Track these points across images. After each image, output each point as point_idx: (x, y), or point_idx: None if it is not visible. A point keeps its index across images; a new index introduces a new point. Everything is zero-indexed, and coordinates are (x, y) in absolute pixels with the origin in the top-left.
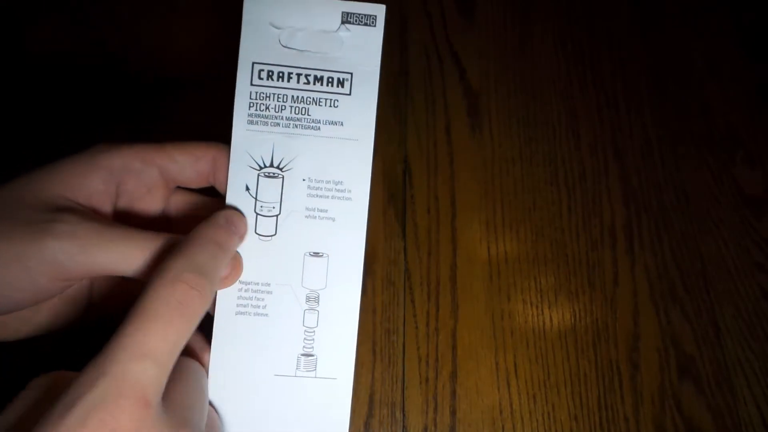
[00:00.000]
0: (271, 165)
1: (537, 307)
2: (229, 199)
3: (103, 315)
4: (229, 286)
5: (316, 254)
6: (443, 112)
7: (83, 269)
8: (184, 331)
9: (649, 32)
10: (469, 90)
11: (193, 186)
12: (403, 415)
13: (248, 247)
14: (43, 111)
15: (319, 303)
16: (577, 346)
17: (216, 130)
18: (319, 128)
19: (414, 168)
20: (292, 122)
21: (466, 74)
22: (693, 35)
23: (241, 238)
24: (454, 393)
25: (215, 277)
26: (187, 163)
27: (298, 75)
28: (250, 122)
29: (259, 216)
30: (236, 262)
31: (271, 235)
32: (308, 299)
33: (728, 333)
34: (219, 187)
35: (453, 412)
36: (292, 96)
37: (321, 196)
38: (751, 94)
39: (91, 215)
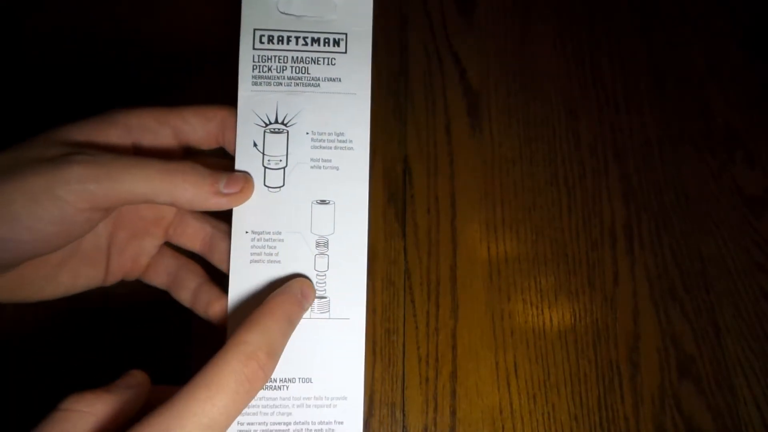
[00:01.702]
0: (276, 121)
1: (537, 307)
2: (239, 155)
3: (120, 282)
4: (238, 205)
5: (323, 202)
6: (443, 112)
7: (109, 194)
8: (242, 407)
9: (649, 32)
10: (469, 90)
11: (204, 147)
12: (403, 415)
13: (258, 199)
14: (44, 102)
15: (329, 248)
16: (577, 346)
17: (225, 99)
18: (318, 85)
19: (414, 168)
20: (293, 81)
21: (466, 74)
22: (693, 35)
23: (306, 310)
24: (454, 393)
25: (279, 356)
26: (198, 124)
27: (297, 38)
28: (255, 83)
29: (267, 169)
30: (247, 184)
31: (280, 187)
32: (318, 245)
33: (728, 333)
34: (228, 147)
35: (453, 412)
36: (292, 57)
37: (324, 148)
38: (751, 94)
39: (109, 151)
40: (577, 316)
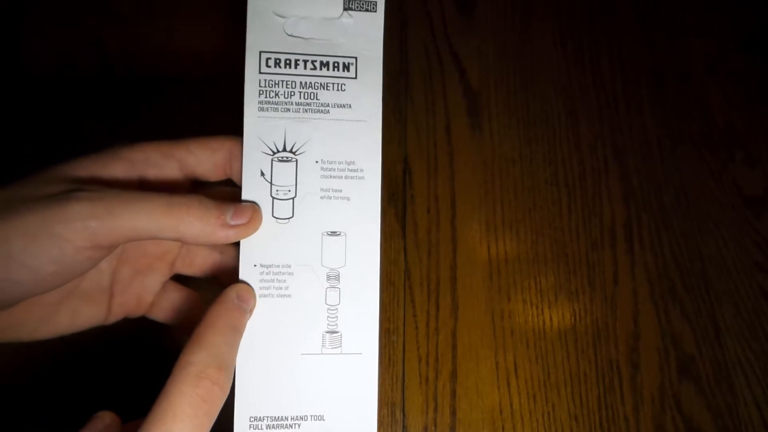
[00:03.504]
0: (284, 149)
1: (537, 307)
2: (245, 185)
3: (122, 319)
4: (246, 236)
5: (333, 233)
6: (443, 112)
7: (111, 232)
8: (207, 428)
9: (649, 32)
10: (469, 90)
11: (211, 179)
12: (403, 415)
13: (267, 231)
14: (45, 113)
15: (340, 281)
16: (577, 346)
17: (230, 126)
18: (328, 111)
19: (414, 168)
20: (301, 107)
21: (466, 74)
22: (693, 35)
23: (251, 312)
24: (454, 393)
25: (233, 366)
26: (204, 156)
27: (305, 61)
28: (261, 109)
29: (275, 200)
30: (255, 214)
31: (289, 218)
32: (329, 278)
33: (728, 333)
34: (235, 178)
35: (453, 412)
36: (301, 82)
37: (334, 177)
38: (751, 94)
39: (112, 187)
40: (577, 316)
